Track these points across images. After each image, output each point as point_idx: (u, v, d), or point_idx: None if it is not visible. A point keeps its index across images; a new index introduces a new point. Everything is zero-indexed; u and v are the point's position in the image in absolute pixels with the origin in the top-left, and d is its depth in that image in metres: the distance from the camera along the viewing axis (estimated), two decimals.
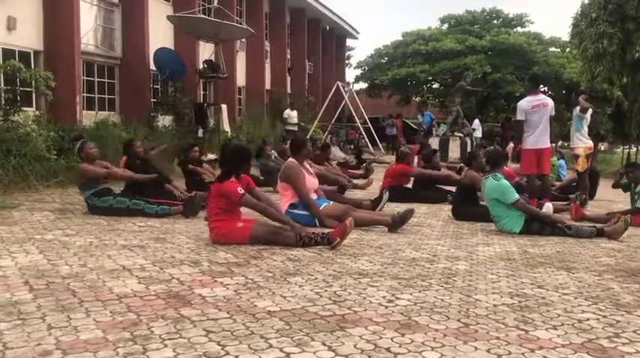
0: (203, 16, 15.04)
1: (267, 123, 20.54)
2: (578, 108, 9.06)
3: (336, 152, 13.48)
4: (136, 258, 4.51)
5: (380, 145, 24.37)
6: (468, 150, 17.70)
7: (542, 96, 7.97)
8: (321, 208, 6.18)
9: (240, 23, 20.38)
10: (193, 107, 13.74)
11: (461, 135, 17.90)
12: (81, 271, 4.04)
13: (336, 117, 25.05)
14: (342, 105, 24.58)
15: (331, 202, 6.53)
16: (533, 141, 7.70)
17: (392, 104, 34.70)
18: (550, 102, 7.92)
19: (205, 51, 16.04)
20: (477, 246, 5.54)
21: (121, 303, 3.29)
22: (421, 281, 4.04)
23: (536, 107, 7.70)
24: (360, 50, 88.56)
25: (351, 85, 36.48)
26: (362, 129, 24.01)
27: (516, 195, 6.29)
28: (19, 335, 2.73)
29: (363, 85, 35.66)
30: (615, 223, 6.32)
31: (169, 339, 2.72)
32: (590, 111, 9.02)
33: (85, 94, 13.89)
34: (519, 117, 7.83)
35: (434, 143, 17.86)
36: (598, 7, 18.25)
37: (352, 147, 24.75)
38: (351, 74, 36.41)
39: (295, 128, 19.17)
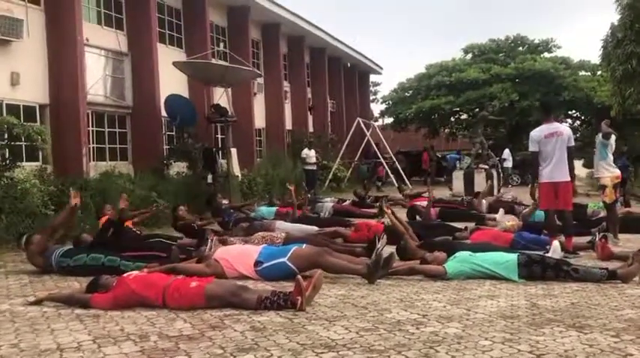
0: (207, 60, 14.86)
1: (287, 164, 20.18)
2: (600, 134, 8.32)
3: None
4: (80, 332, 4.01)
5: (406, 180, 23.66)
6: (495, 182, 16.91)
7: (556, 124, 7.26)
8: (291, 251, 5.76)
9: (256, 64, 20.29)
10: (202, 152, 13.43)
11: (486, 167, 17.11)
12: (6, 354, 3.55)
13: (359, 154, 24.54)
14: (364, 142, 24.07)
15: (304, 245, 5.99)
16: (549, 173, 6.99)
17: (420, 137, 34.11)
18: (566, 130, 7.22)
19: (220, 95, 15.79)
20: (479, 299, 4.85)
21: None
22: (396, 354, 3.40)
23: (549, 136, 7.01)
24: (388, 85, 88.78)
25: (378, 120, 36.18)
26: (385, 165, 23.38)
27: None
28: None
29: (389, 120, 35.26)
30: (630, 264, 5.55)
31: None
32: (613, 136, 8.26)
33: (95, 145, 13.75)
34: (532, 148, 7.16)
35: (458, 176, 17.16)
36: (624, 27, 17.53)
37: (380, 184, 24.13)
38: (378, 109, 36.08)
39: (314, 167, 18.70)
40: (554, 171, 6.97)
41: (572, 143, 7.16)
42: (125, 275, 4.89)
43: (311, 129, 25.20)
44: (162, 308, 4.57)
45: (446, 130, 34.45)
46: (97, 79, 13.61)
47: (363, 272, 5.58)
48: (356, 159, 24.50)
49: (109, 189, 10.83)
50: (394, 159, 24.56)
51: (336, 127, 27.74)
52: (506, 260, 5.68)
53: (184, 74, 15.12)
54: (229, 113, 13.26)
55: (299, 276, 4.55)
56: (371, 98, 38.32)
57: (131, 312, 4.53)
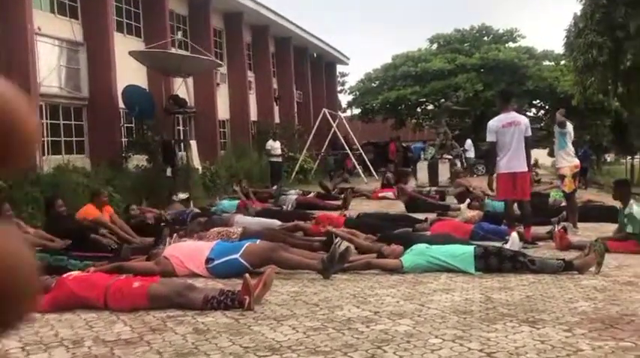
0: (164, 49, 14.47)
1: (253, 156, 19.92)
2: (556, 124, 8.31)
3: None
4: (10, 338, 3.76)
5: (373, 172, 23.60)
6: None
7: (514, 114, 7.19)
8: (243, 247, 5.55)
9: (219, 54, 19.91)
10: (161, 145, 13.09)
11: (450, 157, 17.14)
12: None
13: (326, 145, 24.36)
14: (331, 133, 23.89)
15: (257, 241, 5.81)
16: (506, 164, 6.93)
17: (387, 128, 34.13)
18: (524, 120, 7.17)
19: (182, 86, 15.41)
20: (433, 293, 4.74)
21: None
22: (342, 355, 3.26)
23: (507, 126, 6.95)
24: (356, 75, 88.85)
25: (346, 111, 36.04)
26: (352, 156, 23.27)
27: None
28: None
29: (357, 111, 35.20)
30: (587, 255, 5.52)
31: None
32: (569, 125, 8.26)
33: (50, 138, 13.30)
34: (490, 138, 7.08)
35: (423, 167, 17.15)
36: (585, 17, 17.65)
37: (348, 175, 23.96)
38: (346, 100, 36.04)
39: (279, 159, 18.46)
40: (511, 161, 6.91)
41: (530, 133, 7.11)
42: (65, 275, 4.65)
43: (277, 120, 24.91)
44: (104, 310, 4.35)
45: (412, 121, 34.55)
46: (50, 69, 13.13)
47: (318, 267, 5.43)
48: (323, 150, 24.32)
49: (62, 184, 10.47)
50: (361, 151, 24.47)
51: (302, 118, 27.48)
52: (462, 252, 5.59)
53: (142, 64, 14.71)
54: (188, 104, 12.93)
55: (247, 275, 4.37)
56: (339, 89, 38.23)
57: (70, 315, 4.30)
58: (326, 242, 6.64)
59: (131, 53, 13.06)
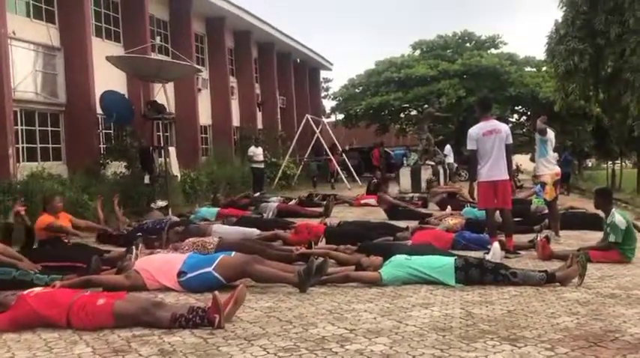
0: (144, 55, 14.22)
1: (235, 162, 19.72)
2: (537, 132, 8.24)
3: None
4: None
5: (357, 178, 23.50)
6: (442, 178, 16.91)
7: (494, 121, 7.09)
8: (217, 260, 5.32)
9: (200, 59, 19.72)
10: (138, 152, 12.83)
11: (432, 163, 17.07)
12: None
13: (309, 150, 24.20)
14: (314, 139, 23.74)
15: (233, 253, 5.60)
16: (487, 172, 6.82)
17: (371, 134, 34.09)
18: (504, 128, 7.06)
19: (158, 91, 15.16)
20: (412, 308, 4.58)
21: None
22: None
23: (487, 134, 6.83)
24: (339, 81, 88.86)
25: (330, 117, 35.94)
26: (335, 162, 23.13)
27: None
28: None
29: (340, 116, 35.12)
30: (569, 266, 5.41)
31: None
32: (549, 132, 8.18)
33: (25, 145, 13.00)
34: (470, 146, 6.96)
35: (405, 174, 17.04)
36: (566, 23, 17.72)
37: (333, 180, 23.74)
38: (329, 105, 35.98)
39: (262, 165, 18.26)
40: (492, 169, 6.80)
41: (511, 141, 7.00)
42: (26, 292, 4.41)
43: (260, 126, 24.73)
44: (67, 329, 4.14)
45: (396, 126, 34.54)
46: (25, 74, 12.85)
47: (295, 280, 5.25)
48: (306, 156, 24.15)
49: (36, 192, 10.18)
50: (344, 157, 24.36)
51: (286, 124, 27.34)
52: (442, 263, 5.44)
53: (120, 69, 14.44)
54: (167, 110, 12.69)
55: (216, 292, 4.16)
56: (323, 94, 38.12)
57: (30, 335, 4.07)
58: (303, 253, 6.47)
59: (108, 58, 12.79)
